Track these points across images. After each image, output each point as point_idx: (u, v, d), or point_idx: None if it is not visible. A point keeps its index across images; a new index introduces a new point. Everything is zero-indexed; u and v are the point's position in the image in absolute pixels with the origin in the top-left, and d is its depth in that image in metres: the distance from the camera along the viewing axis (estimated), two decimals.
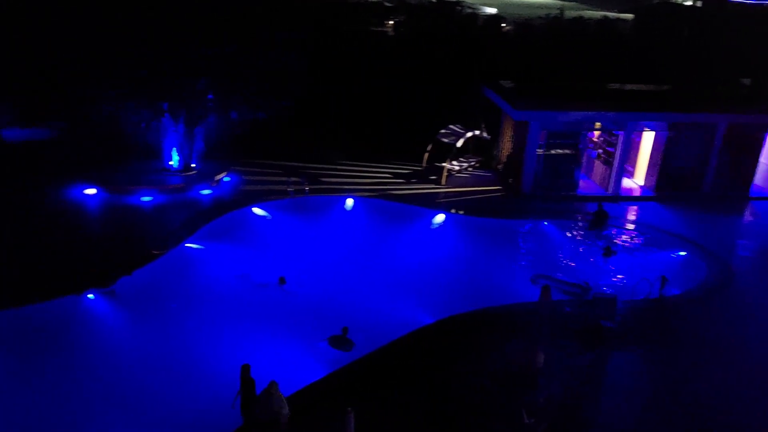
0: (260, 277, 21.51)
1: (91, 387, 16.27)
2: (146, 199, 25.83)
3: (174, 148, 28.30)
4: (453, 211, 26.94)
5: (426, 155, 31.23)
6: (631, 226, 26.19)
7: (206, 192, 27.08)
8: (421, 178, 30.33)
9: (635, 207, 28.45)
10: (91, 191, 25.92)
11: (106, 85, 25.06)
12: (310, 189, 27.70)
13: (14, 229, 22.50)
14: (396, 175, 30.52)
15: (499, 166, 31.97)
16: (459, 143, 30.07)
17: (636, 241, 25.19)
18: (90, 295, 19.27)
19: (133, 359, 17.39)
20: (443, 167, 29.97)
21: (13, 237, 22.03)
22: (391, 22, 38.84)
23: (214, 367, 16.90)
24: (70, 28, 24.26)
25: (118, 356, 17.51)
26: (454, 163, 31.20)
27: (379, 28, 36.33)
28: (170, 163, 28.45)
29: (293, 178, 28.10)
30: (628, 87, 32.04)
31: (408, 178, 30.22)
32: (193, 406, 15.43)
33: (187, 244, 22.85)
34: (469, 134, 30.61)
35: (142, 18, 24.85)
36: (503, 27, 42.88)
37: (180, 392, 15.98)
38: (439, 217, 26.81)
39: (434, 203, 27.54)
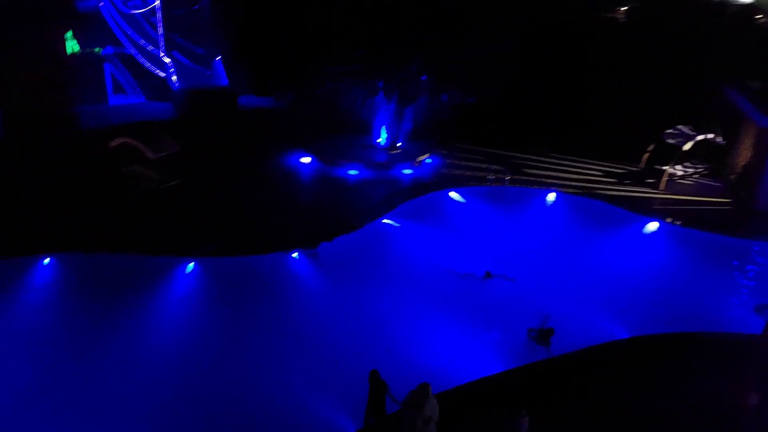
0: (461, 267, 21.28)
1: (289, 334, 17.73)
2: (353, 172, 27.07)
3: (383, 126, 29.23)
4: (669, 220, 24.26)
5: (645, 156, 28.40)
6: None
7: (408, 171, 27.60)
8: (637, 180, 27.75)
9: None
10: (306, 160, 27.84)
11: (331, 62, 26.61)
12: (511, 179, 26.85)
13: (239, 188, 24.89)
14: (607, 174, 28.33)
15: (732, 177, 28.07)
16: (687, 146, 26.91)
17: None
18: (295, 254, 20.85)
19: (326, 317, 18.55)
20: (664, 171, 27.10)
21: (238, 195, 24.37)
22: (624, 8, 35.72)
23: (396, 341, 17.34)
24: (303, 7, 26.00)
25: (313, 311, 18.80)
26: (678, 167, 28.03)
27: (610, 14, 33.57)
28: (378, 140, 29.46)
29: (495, 166, 27.47)
30: None
31: (621, 179, 27.88)
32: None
33: (384, 220, 23.56)
34: (700, 137, 27.24)
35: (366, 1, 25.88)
36: (758, 19, 37.29)
37: (364, 355, 16.52)
38: (652, 226, 24.32)
39: (648, 209, 25.06)
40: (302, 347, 17.37)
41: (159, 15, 28.25)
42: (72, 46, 27.09)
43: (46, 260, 19.25)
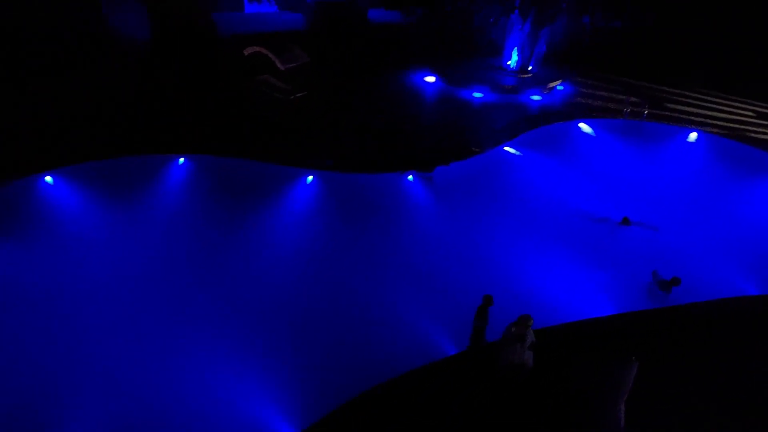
0: (589, 207, 20.29)
1: (397, 254, 18.02)
2: (477, 95, 26.16)
3: (515, 48, 27.77)
4: None
5: None
6: None
7: (536, 98, 26.26)
8: None
9: None
10: (431, 79, 27.20)
11: None
12: (649, 113, 24.81)
13: (362, 103, 24.93)
14: (762, 116, 25.41)
15: None
16: None
17: None
18: (410, 177, 20.79)
19: (436, 242, 18.57)
20: None
21: (360, 110, 24.47)
22: None
23: (506, 272, 17.10)
24: None
25: (423, 235, 18.87)
26: None
27: None
28: (508, 63, 28.12)
29: (632, 98, 25.44)
30: None
31: None
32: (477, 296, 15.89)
33: (506, 148, 22.76)
34: None
35: None
36: None
37: (471, 283, 16.51)
38: None
39: None
40: (409, 269, 17.58)
41: None
42: None
43: (181, 160, 20.49)
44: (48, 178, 18.84)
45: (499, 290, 15.77)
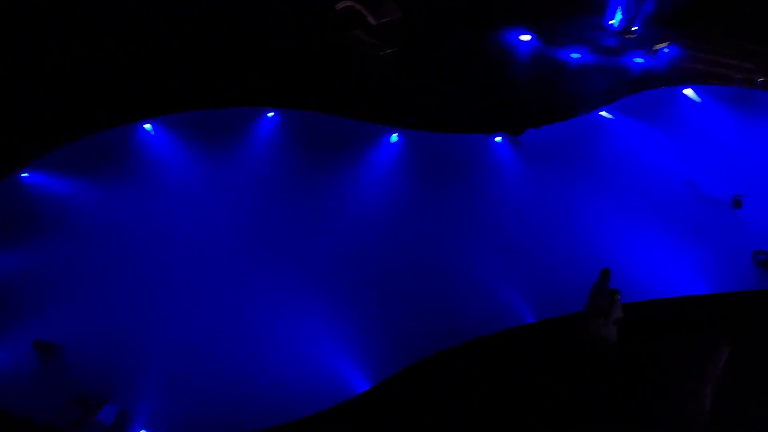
0: (707, 189, 18.87)
1: (481, 217, 17.96)
2: (575, 56, 24.91)
3: (619, 7, 26.10)
4: None
5: None
6: None
7: (639, 60, 24.68)
8: None
9: None
10: (526, 38, 26.14)
11: None
12: (764, 81, 22.82)
13: (453, 61, 24.30)
14: None
15: None
16: None
17: None
18: (498, 138, 20.26)
19: (522, 208, 18.26)
20: None
21: (450, 68, 23.87)
22: None
23: (595, 243, 16.60)
24: None
25: (508, 200, 18.56)
26: None
27: None
28: (611, 22, 26.50)
29: (747, 64, 23.42)
30: None
31: None
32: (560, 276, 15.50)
33: (602, 113, 21.67)
34: None
35: None
36: None
37: (557, 252, 16.12)
38: None
39: None
40: (492, 234, 17.39)
41: None
42: None
43: (270, 113, 20.88)
44: (147, 126, 19.77)
45: (587, 261, 15.34)
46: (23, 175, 17.80)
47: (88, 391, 13.41)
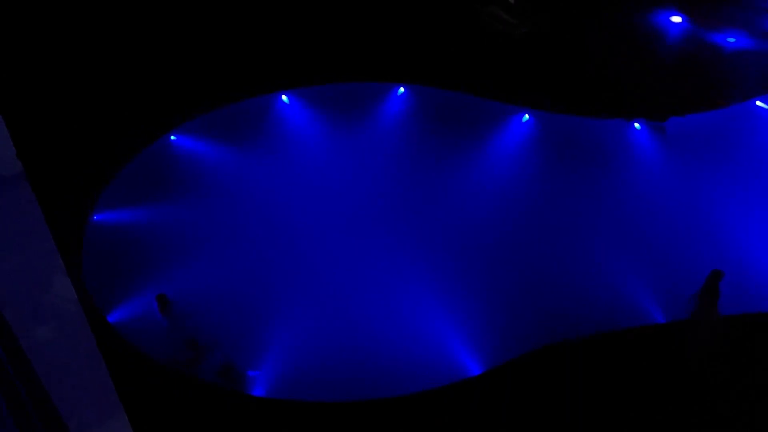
0: None
1: (612, 208, 17.20)
2: (730, 40, 22.90)
3: None
4: None
5: None
6: None
7: None
8: None
9: None
10: (677, 19, 24.35)
11: None
12: None
13: (595, 43, 23.15)
14: None
15: None
16: None
17: None
18: (636, 125, 19.16)
19: (658, 200, 17.30)
20: None
21: (593, 50, 22.75)
22: None
23: (731, 243, 15.46)
24: None
25: (644, 190, 17.60)
26: None
27: None
28: None
29: None
30: None
31: None
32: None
33: (758, 102, 19.83)
34: None
35: None
36: None
37: (690, 250, 15.25)
38: None
39: None
40: (624, 228, 16.60)
41: None
42: None
43: (401, 89, 21.05)
44: (284, 97, 20.63)
45: (726, 266, 14.31)
46: (172, 137, 19.17)
47: (198, 337, 14.40)
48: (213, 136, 19.27)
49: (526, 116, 19.77)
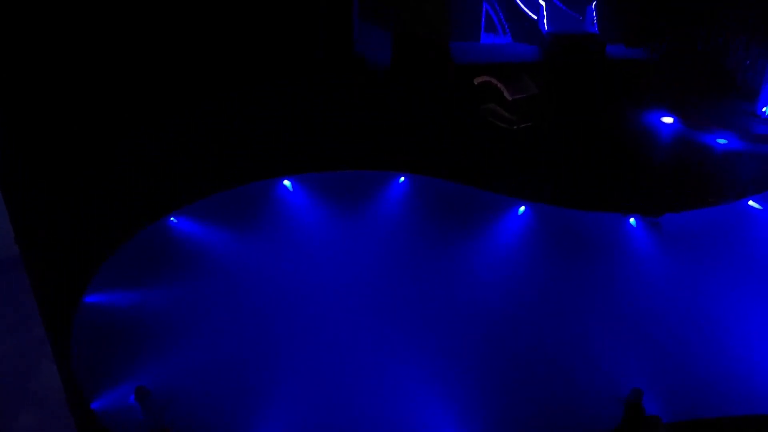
0: None
1: (608, 302, 17.26)
2: (722, 141, 23.63)
3: None
4: None
5: None
6: None
7: None
8: None
9: None
10: (668, 120, 25.23)
11: (722, 14, 23.19)
12: None
13: (589, 138, 23.88)
14: None
15: None
16: None
17: None
18: (632, 220, 19.40)
19: (655, 296, 17.31)
20: None
21: (586, 144, 23.41)
22: None
23: (728, 342, 15.18)
24: None
25: (640, 285, 17.62)
26: None
27: None
28: (764, 109, 25.04)
29: None
30: None
31: None
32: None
33: (750, 202, 20.21)
34: None
35: None
36: None
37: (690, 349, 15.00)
38: None
39: None
40: (619, 321, 16.51)
41: None
42: None
43: (402, 179, 21.48)
44: (286, 182, 20.99)
45: (721, 364, 14.20)
46: (171, 219, 19.35)
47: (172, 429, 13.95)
48: (213, 220, 19.45)
49: (522, 208, 20.07)
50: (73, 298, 15.69)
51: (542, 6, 28.51)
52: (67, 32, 19.12)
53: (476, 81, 25.67)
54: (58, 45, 18.96)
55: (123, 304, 16.51)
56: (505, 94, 24.82)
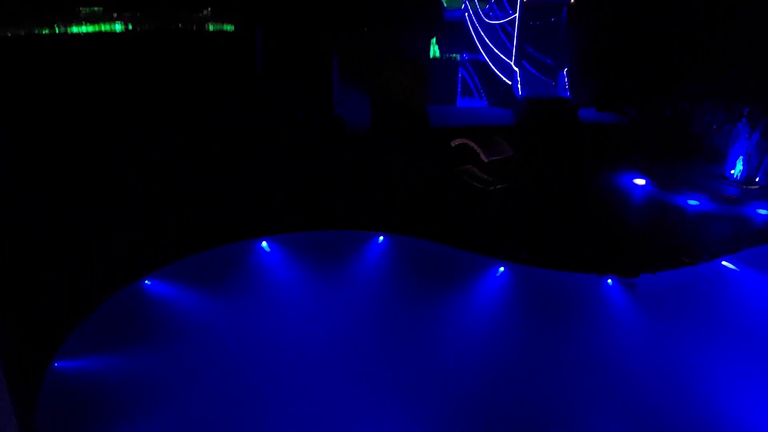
0: None
1: (588, 360, 17.07)
2: (693, 203, 24.27)
3: (740, 157, 25.55)
4: None
5: None
6: None
7: (763, 212, 23.61)
8: None
9: None
10: (641, 182, 25.91)
11: (687, 81, 24.25)
12: None
13: (564, 200, 24.38)
14: None
15: None
16: None
17: None
18: (609, 281, 19.58)
19: (630, 355, 17.20)
20: None
21: (561, 206, 23.89)
22: None
23: (711, 400, 15.23)
24: (665, 21, 24.13)
25: (617, 345, 17.60)
26: None
27: None
28: (731, 171, 25.88)
29: None
30: None
31: None
32: None
33: (724, 263, 20.55)
34: None
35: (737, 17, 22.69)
36: None
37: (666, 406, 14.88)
38: None
39: None
40: (597, 378, 16.40)
41: (517, 26, 29.34)
42: (434, 51, 29.92)
43: (380, 238, 21.54)
44: (264, 243, 20.93)
45: (697, 421, 14.12)
46: (146, 282, 19.04)
47: None
48: (188, 282, 19.16)
49: (501, 269, 20.19)
50: (42, 364, 15.25)
51: (516, 72, 29.67)
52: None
53: (453, 143, 26.32)
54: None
55: (93, 368, 15.99)
56: (482, 155, 25.41)
